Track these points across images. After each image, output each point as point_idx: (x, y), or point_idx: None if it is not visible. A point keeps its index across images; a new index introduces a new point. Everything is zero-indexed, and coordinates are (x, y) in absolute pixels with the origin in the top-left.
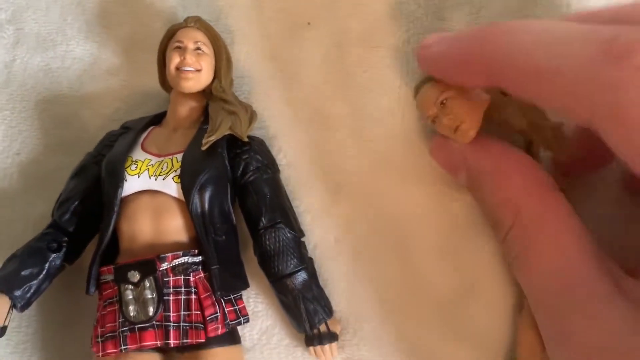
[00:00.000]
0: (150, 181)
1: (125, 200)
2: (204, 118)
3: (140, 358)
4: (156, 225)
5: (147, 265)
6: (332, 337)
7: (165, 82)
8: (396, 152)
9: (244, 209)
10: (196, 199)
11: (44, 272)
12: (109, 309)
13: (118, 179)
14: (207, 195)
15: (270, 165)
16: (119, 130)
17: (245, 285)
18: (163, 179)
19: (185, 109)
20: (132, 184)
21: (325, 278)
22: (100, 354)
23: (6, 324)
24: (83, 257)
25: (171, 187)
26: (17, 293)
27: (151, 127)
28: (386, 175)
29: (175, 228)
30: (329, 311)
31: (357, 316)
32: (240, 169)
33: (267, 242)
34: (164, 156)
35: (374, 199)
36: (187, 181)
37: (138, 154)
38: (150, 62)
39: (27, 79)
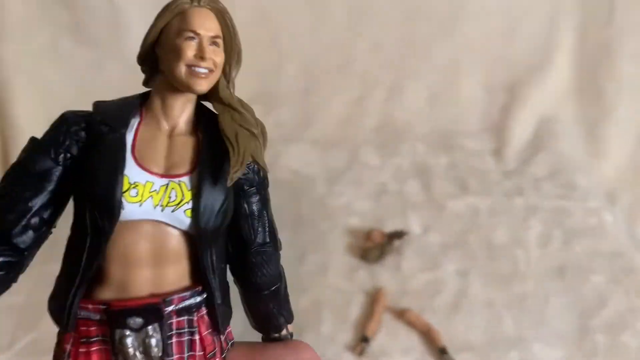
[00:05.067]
0: (156, 211)
1: (119, 223)
2: (198, 119)
3: None
4: (157, 255)
5: (152, 312)
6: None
7: (148, 62)
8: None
9: (233, 229)
10: (210, 236)
11: None
12: (93, 349)
13: (114, 207)
14: (220, 230)
15: (263, 186)
16: (91, 122)
17: (231, 309)
18: (172, 211)
19: (181, 108)
20: (131, 211)
21: None
22: None
23: None
24: None
25: (181, 220)
26: None
27: (136, 122)
28: None
29: (179, 259)
30: (291, 317)
31: None
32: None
33: (254, 262)
34: (169, 177)
35: None
36: (204, 219)
37: (135, 173)
38: None
39: None
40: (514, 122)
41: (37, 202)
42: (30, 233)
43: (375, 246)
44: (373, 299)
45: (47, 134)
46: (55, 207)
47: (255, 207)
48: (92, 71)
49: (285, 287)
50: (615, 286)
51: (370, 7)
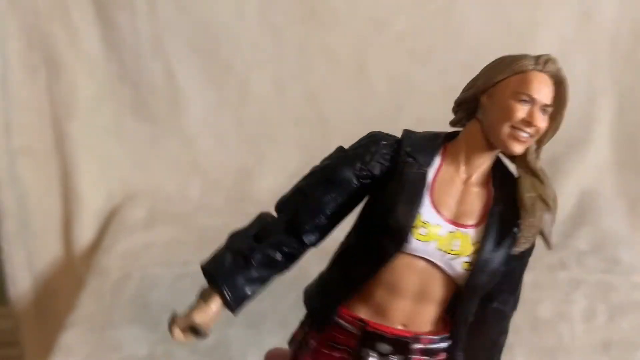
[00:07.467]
0: (436, 254)
1: (399, 253)
2: (492, 173)
3: None
4: (421, 293)
5: (402, 345)
6: None
7: (467, 107)
8: None
9: None
10: (476, 293)
11: (268, 284)
12: (336, 355)
13: (402, 239)
14: (487, 288)
15: (529, 254)
16: (399, 150)
17: None
18: (451, 260)
19: (484, 160)
20: (414, 247)
21: None
22: None
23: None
24: None
25: (456, 270)
26: (239, 307)
27: (438, 161)
28: None
29: (438, 304)
30: None
31: None
32: None
33: (489, 317)
34: (457, 225)
35: None
36: (477, 277)
37: (428, 212)
38: None
39: None
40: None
41: (331, 209)
42: (317, 234)
43: None
44: None
45: (355, 148)
46: (341, 216)
47: (512, 271)
48: (150, 146)
49: (505, 339)
50: None
51: (412, 82)
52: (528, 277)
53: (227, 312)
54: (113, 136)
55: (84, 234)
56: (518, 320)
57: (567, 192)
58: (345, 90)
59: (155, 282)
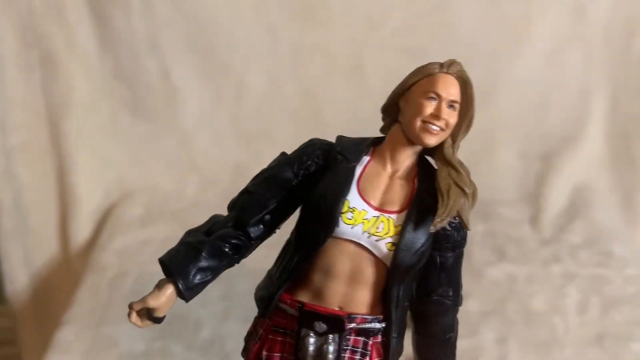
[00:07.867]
0: (362, 236)
1: (331, 238)
2: (417, 169)
3: None
4: (353, 275)
5: (336, 323)
6: None
7: (388, 113)
8: None
9: (421, 275)
10: (402, 274)
11: (217, 274)
12: (279, 338)
13: (332, 223)
14: (412, 270)
15: (459, 245)
16: (331, 150)
17: (402, 347)
18: (376, 241)
19: (406, 156)
20: (343, 231)
21: None
22: None
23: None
24: None
25: (382, 251)
26: (190, 293)
27: (366, 159)
28: None
29: (370, 286)
30: None
31: None
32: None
33: (432, 310)
34: (381, 211)
35: None
36: (401, 257)
37: (355, 200)
38: None
39: None
40: (549, 190)
41: (273, 203)
42: (261, 227)
43: None
44: None
45: (295, 152)
46: (284, 212)
47: (445, 261)
48: (146, 144)
49: (455, 339)
50: None
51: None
52: (522, 271)
53: (224, 308)
54: (109, 134)
55: (81, 231)
56: (512, 314)
57: (561, 186)
58: (341, 87)
59: (152, 279)
